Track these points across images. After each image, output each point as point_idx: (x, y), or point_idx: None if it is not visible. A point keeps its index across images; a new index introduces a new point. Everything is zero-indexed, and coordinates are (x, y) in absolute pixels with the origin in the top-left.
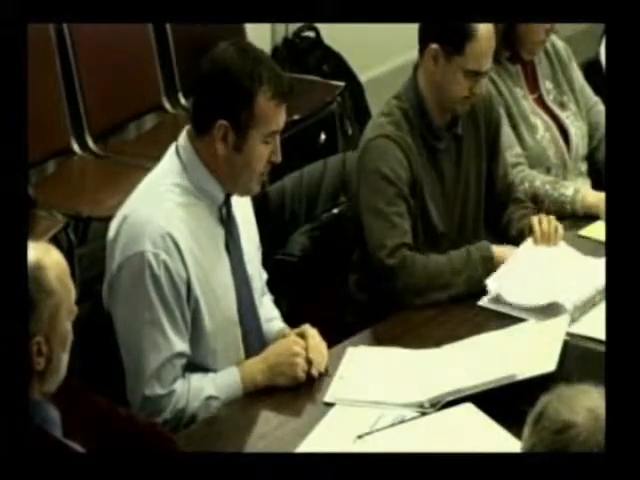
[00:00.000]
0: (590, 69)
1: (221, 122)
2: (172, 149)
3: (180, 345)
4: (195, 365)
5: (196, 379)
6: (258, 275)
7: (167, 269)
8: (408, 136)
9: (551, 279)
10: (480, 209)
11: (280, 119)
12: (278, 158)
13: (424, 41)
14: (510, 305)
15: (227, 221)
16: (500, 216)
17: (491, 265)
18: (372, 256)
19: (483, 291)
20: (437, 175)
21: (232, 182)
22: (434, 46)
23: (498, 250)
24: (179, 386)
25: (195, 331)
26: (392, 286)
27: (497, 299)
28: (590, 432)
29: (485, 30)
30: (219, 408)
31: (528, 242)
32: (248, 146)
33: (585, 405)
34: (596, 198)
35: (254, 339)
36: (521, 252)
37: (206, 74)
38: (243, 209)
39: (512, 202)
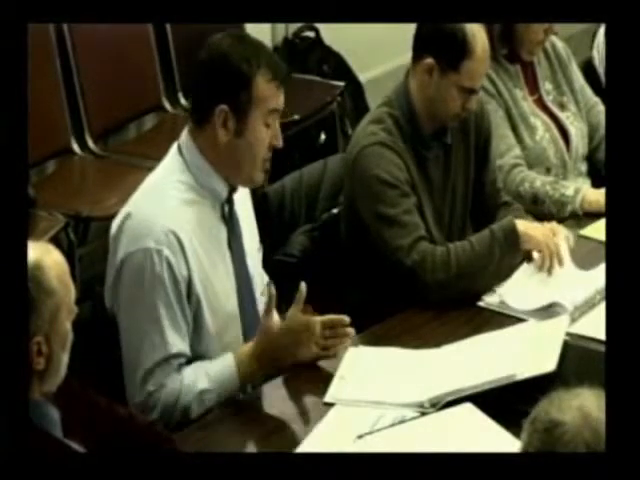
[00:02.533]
0: (589, 69)
1: (221, 107)
2: (174, 147)
3: (178, 346)
4: (198, 360)
5: (188, 375)
6: (259, 274)
7: (170, 267)
8: (400, 142)
9: (552, 285)
10: (466, 216)
11: (279, 99)
12: (279, 142)
13: (419, 52)
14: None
15: (229, 219)
16: (490, 221)
17: (517, 244)
18: (390, 262)
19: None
20: (426, 183)
21: (236, 171)
22: (429, 60)
23: (522, 226)
24: (169, 382)
25: (196, 329)
26: (419, 284)
27: (500, 302)
28: (577, 430)
29: (481, 49)
30: (216, 402)
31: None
32: (249, 129)
33: (574, 405)
34: (596, 195)
35: (254, 336)
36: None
37: (204, 62)
38: (244, 207)
39: (501, 206)
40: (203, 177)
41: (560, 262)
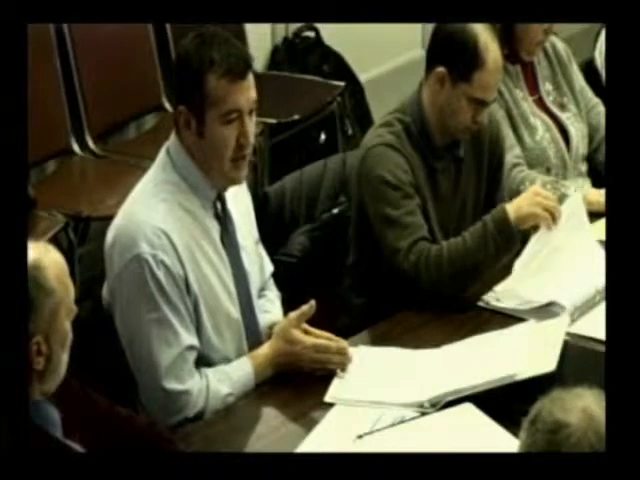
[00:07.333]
0: (589, 69)
1: (180, 108)
2: (163, 149)
3: (189, 339)
4: (200, 357)
5: (213, 379)
6: (257, 269)
7: (166, 267)
8: (408, 147)
9: (552, 284)
10: None
11: (237, 98)
12: (248, 140)
13: (432, 61)
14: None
15: (222, 216)
16: None
17: (511, 233)
18: (391, 264)
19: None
20: (433, 193)
21: (211, 173)
22: (441, 69)
23: (512, 211)
24: (196, 385)
25: (196, 327)
26: (417, 284)
27: (499, 302)
28: (583, 432)
29: (493, 60)
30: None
31: (539, 233)
32: (208, 129)
33: (578, 405)
34: (597, 195)
35: (252, 333)
36: (530, 247)
37: (172, 66)
38: (241, 203)
39: None
40: (191, 177)
41: (559, 215)
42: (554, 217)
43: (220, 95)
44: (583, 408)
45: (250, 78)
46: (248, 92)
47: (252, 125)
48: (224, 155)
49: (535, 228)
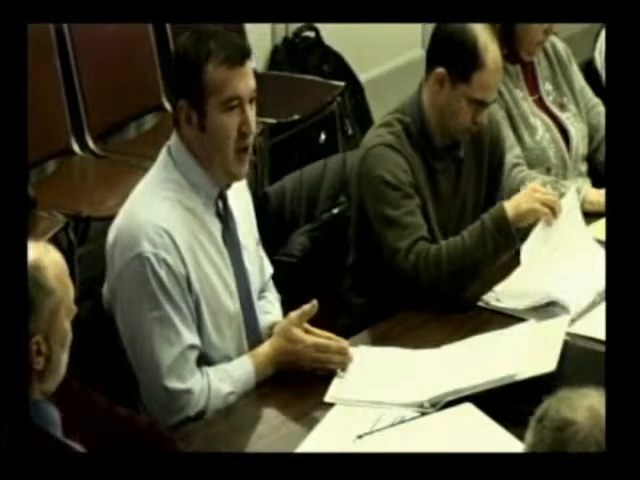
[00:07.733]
0: (589, 69)
1: (180, 103)
2: (164, 149)
3: (191, 338)
4: (200, 356)
5: (214, 378)
6: (258, 269)
7: (168, 266)
8: (408, 147)
9: (554, 276)
10: None
11: (236, 84)
12: (250, 128)
13: (431, 62)
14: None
15: (224, 215)
16: None
17: (509, 231)
18: (391, 264)
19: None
20: (433, 193)
21: (213, 168)
22: (441, 70)
23: (510, 208)
24: (197, 384)
25: (197, 326)
26: (418, 284)
27: (499, 302)
28: (589, 430)
29: (493, 61)
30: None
31: (538, 228)
32: (209, 120)
33: (585, 404)
34: (597, 195)
35: (252, 331)
36: (530, 241)
37: (171, 65)
38: (242, 203)
39: None
40: (192, 175)
41: (559, 210)
42: (554, 212)
43: (219, 82)
44: (589, 406)
45: (249, 66)
46: (247, 79)
47: (253, 114)
48: (227, 146)
49: (533, 225)
